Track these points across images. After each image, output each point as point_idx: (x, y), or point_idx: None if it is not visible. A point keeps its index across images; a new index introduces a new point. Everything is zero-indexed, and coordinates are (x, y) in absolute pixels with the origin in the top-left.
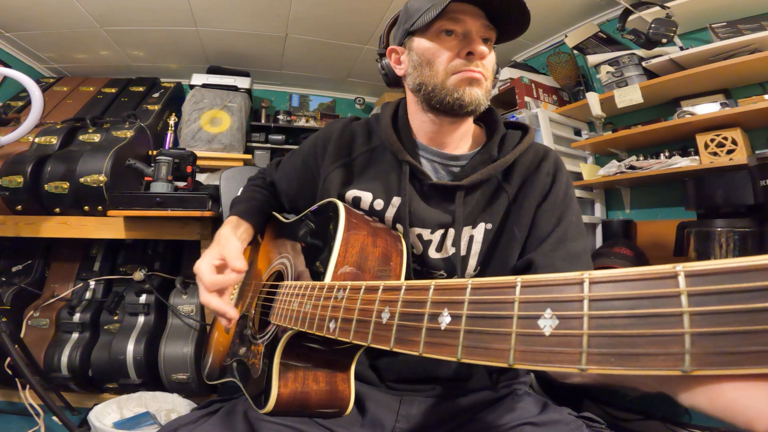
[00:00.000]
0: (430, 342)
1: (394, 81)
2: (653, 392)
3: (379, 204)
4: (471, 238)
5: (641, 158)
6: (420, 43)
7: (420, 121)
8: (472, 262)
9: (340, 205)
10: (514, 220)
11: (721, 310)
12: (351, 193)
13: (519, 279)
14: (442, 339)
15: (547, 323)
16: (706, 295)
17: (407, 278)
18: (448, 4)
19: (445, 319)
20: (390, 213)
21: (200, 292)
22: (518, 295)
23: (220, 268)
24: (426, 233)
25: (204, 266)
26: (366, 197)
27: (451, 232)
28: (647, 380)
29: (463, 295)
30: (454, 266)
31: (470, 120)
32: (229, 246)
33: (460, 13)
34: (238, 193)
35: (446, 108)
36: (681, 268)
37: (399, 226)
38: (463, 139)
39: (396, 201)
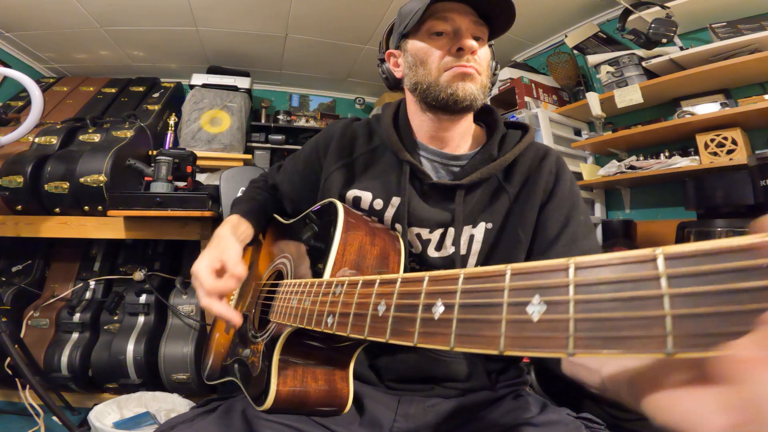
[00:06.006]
0: (425, 332)
1: (395, 84)
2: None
3: (378, 204)
4: (471, 237)
5: (641, 158)
6: (413, 44)
7: (420, 120)
8: (472, 261)
9: (339, 205)
10: (517, 220)
11: (700, 291)
12: (351, 193)
13: (509, 267)
14: (436, 329)
15: (536, 309)
16: (685, 277)
17: None
18: (429, 5)
19: (438, 309)
20: (389, 213)
21: (199, 295)
22: (508, 282)
23: (220, 272)
24: (425, 233)
25: (203, 269)
26: (366, 197)
27: (451, 231)
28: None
29: (455, 284)
30: (453, 265)
31: (469, 118)
32: (229, 250)
33: (449, 11)
34: (239, 194)
35: (442, 104)
36: (660, 251)
37: (398, 226)
38: (463, 139)
39: (395, 201)
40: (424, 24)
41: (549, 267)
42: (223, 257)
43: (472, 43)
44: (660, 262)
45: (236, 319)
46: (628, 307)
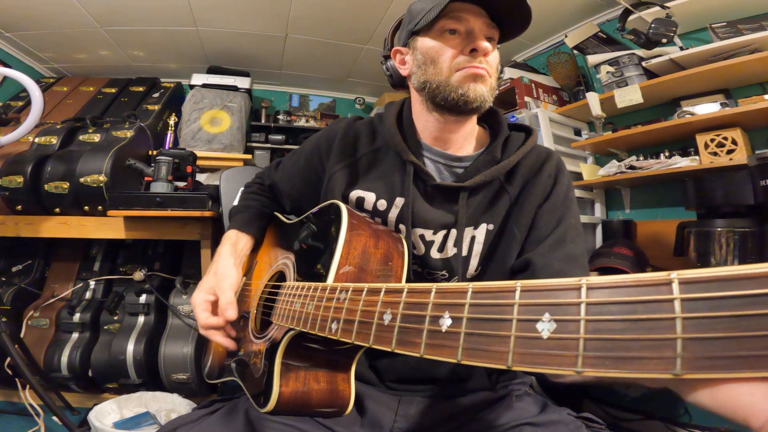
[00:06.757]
0: (431, 344)
1: (399, 82)
2: (658, 388)
3: (382, 204)
4: (473, 238)
5: (641, 158)
6: (424, 42)
7: (425, 121)
8: (473, 262)
9: (343, 206)
10: (515, 220)
11: (712, 316)
12: (355, 194)
13: (519, 283)
14: (443, 341)
15: (546, 327)
16: (698, 302)
17: (408, 280)
18: (448, 4)
19: (446, 322)
20: (393, 213)
21: (198, 324)
22: (518, 299)
23: (215, 304)
24: (428, 234)
25: (198, 304)
26: (369, 197)
27: (453, 232)
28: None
29: (464, 298)
30: (455, 267)
31: (474, 120)
32: (224, 281)
33: (463, 12)
34: (235, 202)
35: (451, 105)
36: (675, 275)
37: (402, 227)
38: (467, 140)
39: (399, 201)
40: (437, 22)
41: (560, 285)
42: (218, 291)
43: (486, 44)
44: (675, 286)
45: (232, 347)
46: (639, 329)
